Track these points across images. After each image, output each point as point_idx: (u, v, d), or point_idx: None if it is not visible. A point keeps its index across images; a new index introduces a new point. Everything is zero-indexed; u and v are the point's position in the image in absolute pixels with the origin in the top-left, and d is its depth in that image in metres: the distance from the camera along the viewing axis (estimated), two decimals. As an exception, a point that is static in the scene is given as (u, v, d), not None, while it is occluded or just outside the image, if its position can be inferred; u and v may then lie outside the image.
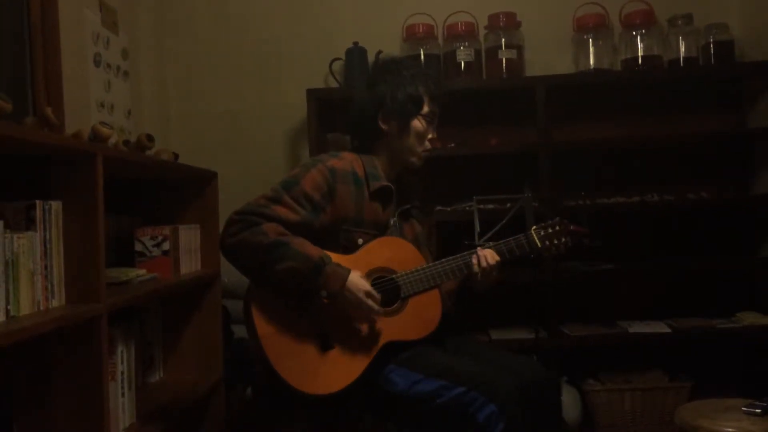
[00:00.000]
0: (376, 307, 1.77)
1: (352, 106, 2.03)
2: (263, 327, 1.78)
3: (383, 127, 1.95)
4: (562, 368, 2.93)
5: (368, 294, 1.77)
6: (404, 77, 1.95)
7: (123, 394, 2.02)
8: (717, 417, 2.00)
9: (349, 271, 1.77)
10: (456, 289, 2.02)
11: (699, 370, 3.00)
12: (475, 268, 1.88)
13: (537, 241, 1.93)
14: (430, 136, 1.98)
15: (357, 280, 1.76)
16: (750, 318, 2.96)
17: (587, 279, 3.02)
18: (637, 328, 2.96)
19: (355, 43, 3.13)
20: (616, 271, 2.97)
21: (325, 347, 1.80)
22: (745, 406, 2.03)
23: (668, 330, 2.93)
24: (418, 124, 1.95)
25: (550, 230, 1.94)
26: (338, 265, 1.77)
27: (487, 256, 1.89)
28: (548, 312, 2.93)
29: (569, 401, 2.87)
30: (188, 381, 2.51)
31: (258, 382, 2.88)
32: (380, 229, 1.92)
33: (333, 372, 1.78)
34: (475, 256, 1.89)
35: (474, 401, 1.65)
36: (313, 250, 1.76)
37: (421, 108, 1.95)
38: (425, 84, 1.96)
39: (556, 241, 1.93)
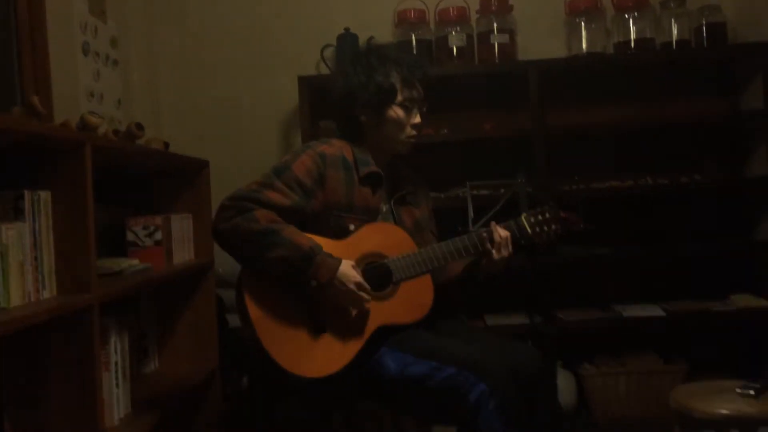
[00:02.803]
0: (366, 297, 1.77)
1: (332, 97, 2.01)
2: (256, 311, 1.77)
3: (361, 117, 1.94)
4: (557, 353, 2.94)
5: (359, 285, 1.76)
6: (374, 67, 1.92)
7: (117, 385, 2.01)
8: (712, 399, 2.01)
9: (340, 261, 1.76)
10: (461, 273, 2.00)
11: (694, 353, 3.01)
12: (488, 245, 1.86)
13: (527, 227, 1.92)
14: (413, 121, 1.95)
15: (348, 271, 1.76)
16: (744, 300, 2.97)
17: (582, 263, 3.02)
18: (632, 311, 2.97)
19: (347, 29, 3.11)
20: (611, 255, 2.97)
21: (317, 331, 1.80)
22: (739, 388, 2.03)
23: (663, 313, 2.94)
24: (393, 113, 1.92)
25: (540, 217, 1.93)
26: (329, 255, 1.76)
27: (500, 230, 1.87)
28: (543, 297, 2.92)
29: (564, 385, 2.88)
30: (183, 370, 2.50)
31: (253, 371, 2.88)
32: (371, 215, 1.92)
33: (326, 355, 1.78)
34: (487, 231, 1.87)
35: (465, 381, 1.66)
36: (304, 239, 1.76)
37: (393, 97, 1.92)
38: (398, 70, 1.92)
39: (546, 228, 1.93)
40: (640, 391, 2.92)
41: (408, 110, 1.94)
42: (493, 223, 1.90)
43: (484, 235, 1.88)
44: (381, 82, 1.91)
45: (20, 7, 2.29)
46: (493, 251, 1.86)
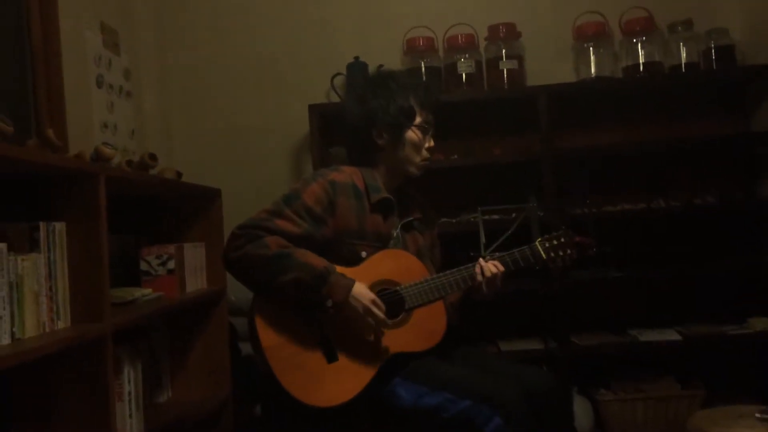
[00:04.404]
0: (381, 315, 1.77)
1: (346, 122, 2.03)
2: (268, 339, 1.77)
3: (378, 140, 1.96)
4: (572, 378, 2.91)
5: (374, 302, 1.76)
6: (393, 90, 1.96)
7: (131, 415, 2.01)
8: (730, 424, 1.98)
9: (353, 281, 1.76)
10: (459, 301, 2.01)
11: (711, 377, 2.96)
12: (479, 277, 1.87)
13: (542, 253, 1.92)
14: (427, 145, 1.98)
15: (362, 290, 1.76)
16: (762, 324, 2.92)
17: (596, 287, 3.00)
18: (648, 336, 2.93)
19: (356, 58, 3.14)
20: (625, 278, 2.95)
21: (330, 359, 1.79)
22: (758, 413, 2.00)
23: (679, 337, 2.90)
24: (412, 135, 1.95)
25: (555, 242, 1.93)
26: (342, 275, 1.77)
27: (490, 266, 1.88)
28: (557, 321, 2.90)
29: (581, 411, 2.84)
30: (196, 399, 2.50)
31: (266, 399, 2.87)
32: (383, 241, 1.92)
33: (338, 384, 1.77)
34: (477, 266, 1.88)
35: (480, 414, 1.64)
36: (317, 261, 1.77)
37: (413, 119, 1.95)
38: (416, 94, 1.97)
39: (561, 253, 1.92)
40: (657, 417, 2.88)
41: (425, 132, 1.98)
42: (481, 259, 1.89)
43: (477, 270, 1.88)
44: (401, 105, 1.94)
45: (35, 40, 2.34)
46: (483, 286, 1.87)
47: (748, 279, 3.09)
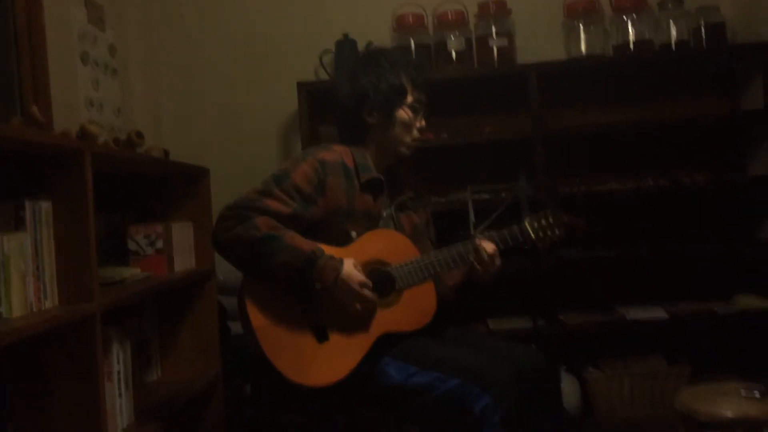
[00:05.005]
0: (371, 295, 1.77)
1: (336, 100, 2.01)
2: (258, 319, 1.77)
3: (368, 119, 1.94)
4: (561, 356, 2.93)
5: (363, 284, 1.76)
6: (384, 68, 1.93)
7: (120, 394, 2.00)
8: (716, 400, 2.00)
9: (342, 262, 1.76)
10: (461, 282, 2.00)
11: (698, 354, 3.00)
12: (476, 264, 1.87)
13: (531, 232, 1.92)
14: (418, 124, 1.97)
15: (351, 271, 1.76)
16: (747, 301, 2.96)
17: (584, 266, 3.02)
18: (635, 314, 2.96)
19: (345, 35, 3.11)
20: (613, 257, 2.97)
21: (320, 339, 1.79)
22: (743, 390, 2.03)
23: (666, 315, 2.93)
24: (403, 113, 1.94)
25: (543, 221, 1.93)
26: (331, 257, 1.76)
27: (486, 248, 1.88)
28: (546, 300, 2.92)
29: (569, 389, 2.87)
30: (186, 379, 2.50)
31: (256, 378, 2.87)
32: (372, 221, 1.91)
33: (329, 363, 1.77)
34: (473, 252, 1.87)
35: (469, 393, 1.64)
36: (305, 244, 1.76)
37: (404, 97, 1.93)
38: (407, 72, 1.94)
39: (549, 233, 1.92)
40: (644, 394, 2.92)
41: (416, 112, 1.96)
42: (478, 241, 1.89)
43: (474, 255, 1.87)
44: (392, 83, 1.92)
45: (19, 16, 2.29)
46: (481, 269, 1.86)
47: (735, 257, 3.12)
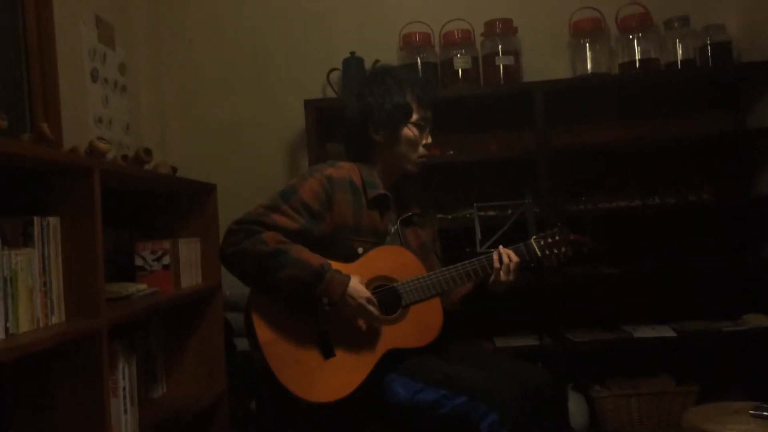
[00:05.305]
0: (376, 312, 1.77)
1: (343, 117, 2.02)
2: (264, 335, 1.77)
3: (374, 137, 1.95)
4: (567, 374, 2.91)
5: (369, 300, 1.76)
6: (390, 86, 1.94)
7: (125, 410, 2.00)
8: (725, 421, 1.98)
9: (349, 278, 1.76)
10: (470, 292, 1.99)
11: (706, 374, 2.98)
12: (497, 264, 1.86)
13: (537, 250, 1.92)
14: (424, 141, 1.97)
15: (358, 287, 1.76)
16: (756, 320, 2.93)
17: (590, 284, 3.00)
18: (642, 332, 2.94)
19: (352, 53, 3.13)
20: (620, 275, 2.95)
21: (326, 355, 1.79)
22: (752, 410, 2.01)
23: (673, 334, 2.91)
24: (408, 132, 1.95)
25: (550, 239, 1.93)
26: (338, 271, 1.76)
27: (509, 253, 1.87)
28: (552, 318, 2.91)
29: (576, 408, 2.85)
30: (191, 395, 2.50)
31: (262, 395, 2.87)
32: (379, 237, 1.91)
33: (335, 379, 1.76)
34: (496, 252, 1.87)
35: (476, 410, 1.64)
36: (313, 258, 1.76)
37: (410, 116, 1.94)
38: (413, 91, 1.96)
39: (556, 251, 1.92)
40: (652, 413, 2.89)
41: (421, 129, 1.96)
42: (500, 246, 1.90)
43: (492, 258, 1.87)
44: (398, 102, 1.93)
45: (30, 34, 2.32)
46: (501, 273, 1.86)
47: (742, 275, 3.10)
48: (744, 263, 3.07)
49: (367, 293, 1.77)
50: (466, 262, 1.89)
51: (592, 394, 2.93)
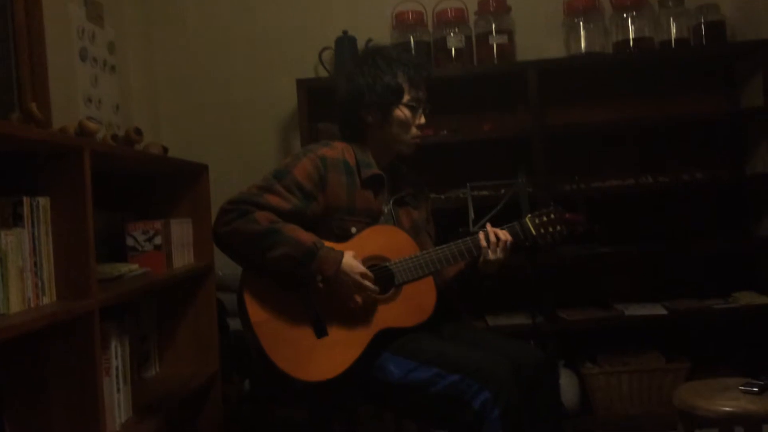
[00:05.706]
0: (372, 286, 1.77)
1: (336, 98, 2.01)
2: (257, 314, 1.77)
3: (366, 118, 1.94)
4: (559, 352, 2.93)
5: (363, 275, 1.77)
6: (380, 67, 1.92)
7: (118, 390, 2.00)
8: (715, 396, 2.00)
9: (342, 254, 1.76)
10: (462, 271, 1.99)
11: (696, 351, 3.00)
12: (483, 243, 1.86)
13: (532, 229, 1.92)
14: (417, 122, 1.96)
15: (351, 262, 1.76)
16: (746, 297, 2.96)
17: (583, 262, 3.01)
18: (634, 310, 2.96)
19: (345, 32, 3.11)
20: (612, 254, 2.97)
21: (319, 334, 1.79)
22: (742, 385, 2.03)
23: (664, 312, 2.93)
24: (400, 113, 1.93)
25: (545, 218, 1.93)
26: (331, 249, 1.77)
27: (497, 232, 1.87)
28: (544, 297, 2.92)
29: (567, 385, 2.88)
30: (184, 374, 2.50)
31: (255, 374, 2.88)
32: (373, 217, 1.91)
33: (328, 359, 1.77)
34: (482, 232, 1.87)
35: (469, 388, 1.65)
36: (305, 236, 1.76)
37: (401, 97, 1.93)
38: (404, 71, 1.93)
39: (551, 230, 1.92)
40: (642, 390, 2.92)
41: (414, 110, 1.95)
42: (488, 225, 1.89)
43: (482, 236, 1.87)
44: (388, 83, 1.91)
45: (18, 13, 2.29)
46: (489, 252, 1.86)
47: (733, 254, 3.12)
48: (736, 242, 3.08)
49: (361, 268, 1.77)
50: (459, 241, 1.89)
51: (583, 371, 2.96)
